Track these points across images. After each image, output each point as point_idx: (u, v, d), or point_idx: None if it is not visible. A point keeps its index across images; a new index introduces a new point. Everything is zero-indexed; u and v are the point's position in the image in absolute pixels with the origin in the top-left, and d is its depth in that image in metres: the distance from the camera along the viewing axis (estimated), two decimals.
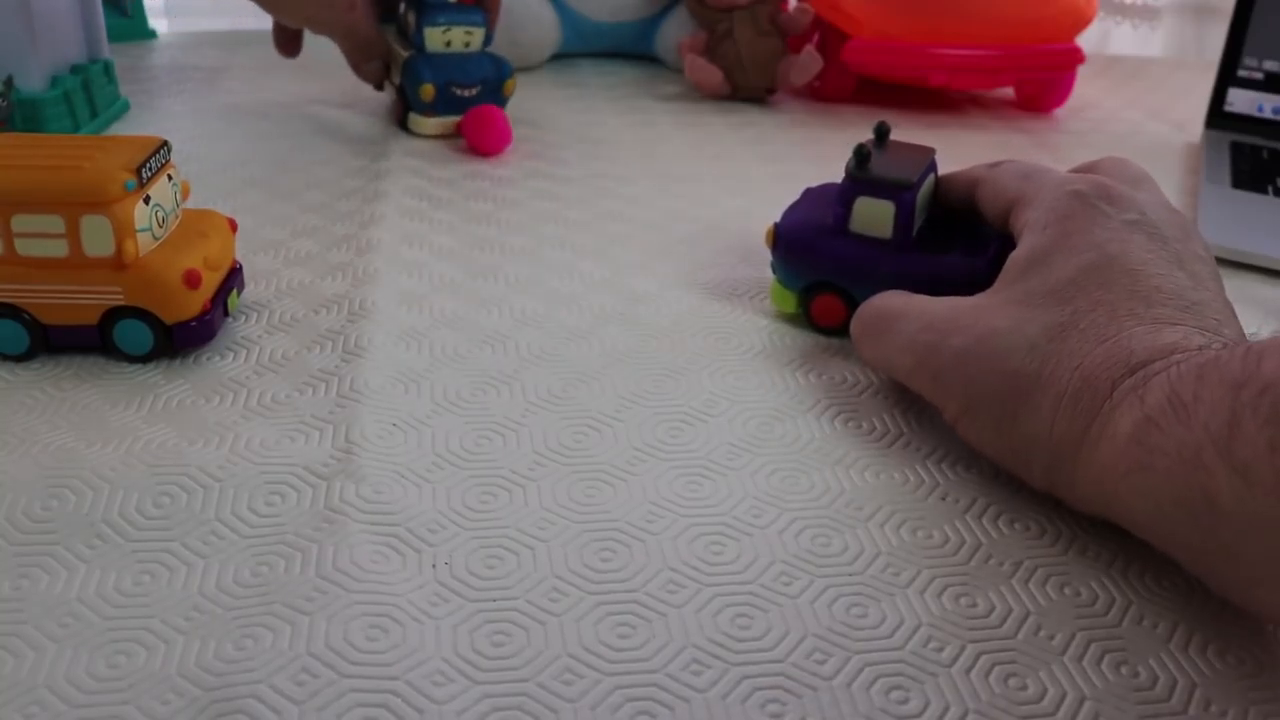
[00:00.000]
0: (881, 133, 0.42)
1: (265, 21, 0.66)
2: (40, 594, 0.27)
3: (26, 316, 0.37)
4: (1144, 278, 0.32)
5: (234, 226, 0.41)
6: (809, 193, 0.45)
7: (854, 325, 0.38)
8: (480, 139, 0.60)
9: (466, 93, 0.61)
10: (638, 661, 0.26)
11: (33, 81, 0.58)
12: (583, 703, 0.25)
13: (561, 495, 0.32)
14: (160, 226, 0.38)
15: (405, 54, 0.62)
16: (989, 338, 0.32)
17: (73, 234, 0.35)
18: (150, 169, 0.37)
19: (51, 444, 0.33)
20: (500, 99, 0.63)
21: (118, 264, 0.36)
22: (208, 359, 0.38)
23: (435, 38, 0.60)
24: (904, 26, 0.73)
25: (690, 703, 0.25)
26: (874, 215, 0.40)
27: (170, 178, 0.38)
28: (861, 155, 0.40)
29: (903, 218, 0.39)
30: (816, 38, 0.77)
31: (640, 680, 0.26)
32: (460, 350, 0.40)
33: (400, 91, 0.63)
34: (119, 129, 0.64)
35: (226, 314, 0.40)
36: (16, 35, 0.56)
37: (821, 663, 0.26)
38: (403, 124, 0.64)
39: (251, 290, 0.44)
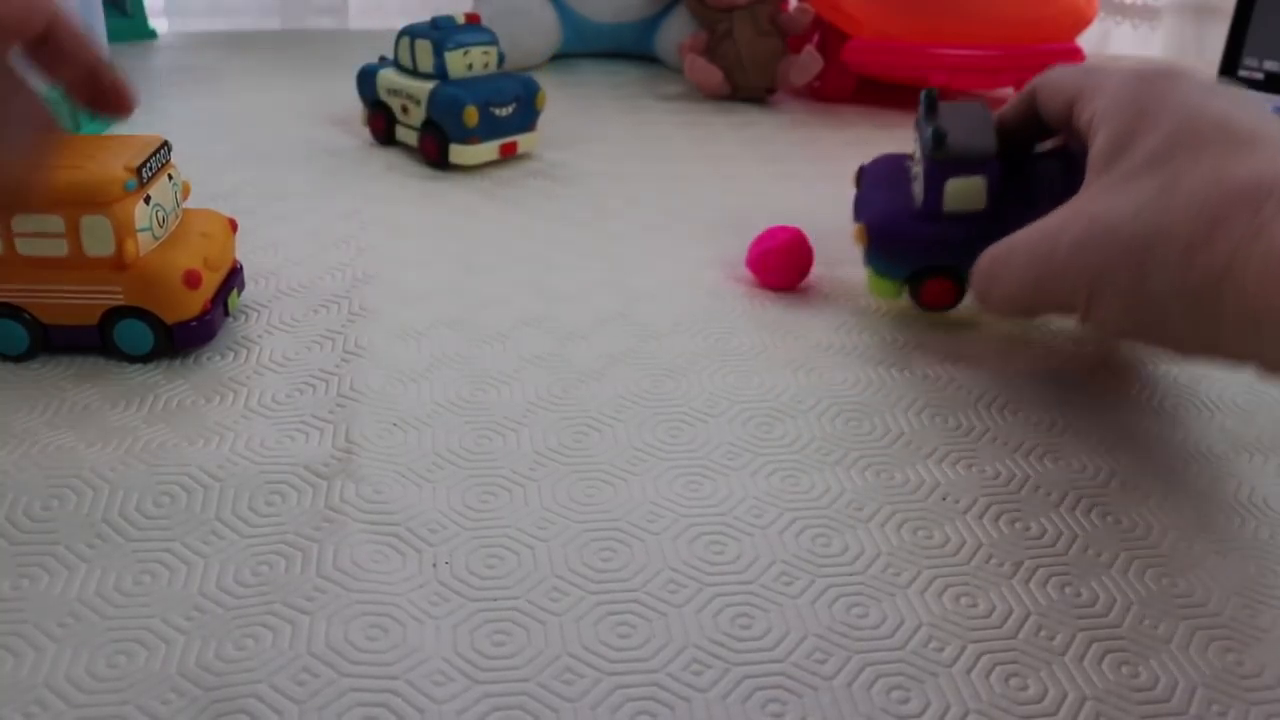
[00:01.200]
0: (932, 99, 0.41)
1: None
2: (40, 594, 0.27)
3: (27, 316, 0.37)
4: (1235, 126, 0.32)
5: (234, 226, 0.41)
6: (868, 173, 0.45)
7: (974, 282, 0.38)
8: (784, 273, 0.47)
9: (502, 112, 0.59)
10: (638, 661, 0.26)
11: (32, 81, 0.57)
12: (583, 703, 0.25)
13: (561, 495, 0.32)
14: (160, 226, 0.38)
15: (426, 87, 0.58)
16: (1097, 221, 0.32)
17: (73, 234, 0.35)
18: (150, 169, 0.37)
19: (52, 444, 0.33)
20: (534, 113, 0.61)
21: (118, 264, 0.36)
22: (208, 359, 0.38)
23: (457, 61, 0.58)
24: (904, 26, 0.73)
25: (690, 703, 0.25)
26: (966, 192, 0.40)
27: (170, 177, 0.38)
28: (940, 135, 0.39)
29: (994, 186, 0.39)
30: (816, 38, 0.78)
31: (640, 680, 0.26)
32: (460, 350, 0.40)
33: (427, 129, 0.59)
34: (119, 129, 0.64)
35: (227, 314, 0.40)
36: None
37: (822, 663, 0.26)
38: (439, 163, 0.59)
39: (251, 290, 0.44)
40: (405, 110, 0.60)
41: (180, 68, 0.79)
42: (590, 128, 0.69)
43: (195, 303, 0.37)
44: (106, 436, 0.34)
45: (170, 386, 0.37)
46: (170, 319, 0.37)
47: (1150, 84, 0.34)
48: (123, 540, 0.29)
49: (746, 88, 0.75)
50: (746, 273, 0.47)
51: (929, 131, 0.39)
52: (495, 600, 0.28)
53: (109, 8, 0.79)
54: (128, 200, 0.36)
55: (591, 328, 0.42)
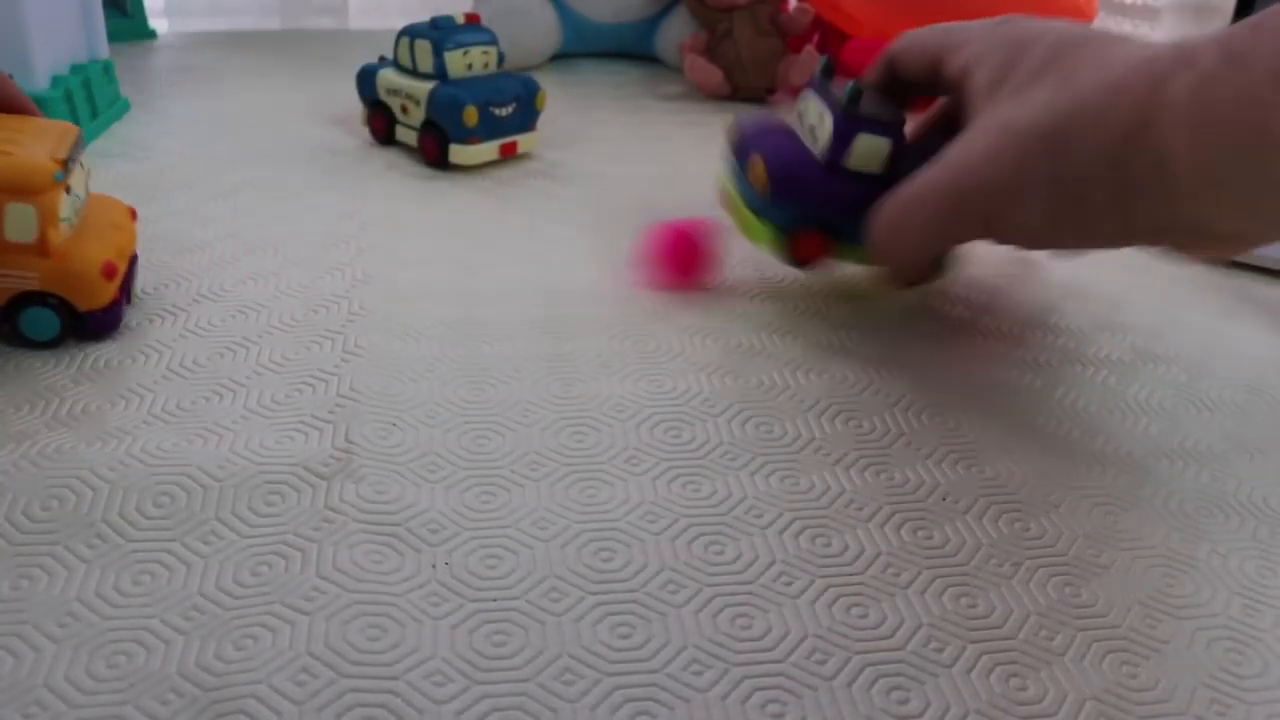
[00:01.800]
0: (829, 67, 0.43)
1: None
2: (40, 594, 0.27)
3: None
4: (1106, 34, 0.35)
5: (134, 215, 0.42)
6: (746, 124, 0.45)
7: (878, 233, 0.39)
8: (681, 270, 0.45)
9: (502, 112, 0.59)
10: (638, 661, 0.26)
11: (33, 80, 0.58)
12: (582, 703, 0.25)
13: (561, 495, 0.32)
14: (75, 216, 0.38)
15: (426, 87, 0.58)
16: (1008, 126, 0.34)
17: None
18: (73, 159, 0.37)
19: (51, 444, 0.33)
20: (534, 113, 0.61)
21: (40, 251, 0.36)
22: (207, 358, 0.38)
23: (457, 61, 0.58)
24: (904, 26, 0.72)
25: (690, 703, 0.25)
26: (871, 152, 0.40)
27: (82, 164, 0.39)
28: (855, 92, 0.40)
29: (895, 154, 0.40)
30: (816, 38, 0.78)
31: (640, 680, 0.26)
32: (460, 350, 0.40)
33: (427, 129, 0.59)
34: (120, 129, 0.64)
35: (129, 301, 0.41)
36: (17, 34, 0.56)
37: (822, 663, 0.26)
38: (439, 163, 0.59)
39: (251, 290, 0.44)
40: (405, 110, 0.60)
41: (180, 68, 0.79)
42: (590, 128, 0.69)
43: (108, 292, 0.38)
44: (106, 436, 0.34)
45: (170, 386, 0.37)
46: (84, 307, 0.38)
47: (1016, 23, 0.37)
48: (122, 540, 0.29)
49: (746, 88, 0.75)
50: (747, 272, 0.47)
51: (846, 87, 0.41)
52: (495, 600, 0.28)
53: (109, 8, 0.79)
54: (55, 190, 0.36)
55: (592, 328, 0.42)
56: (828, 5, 0.74)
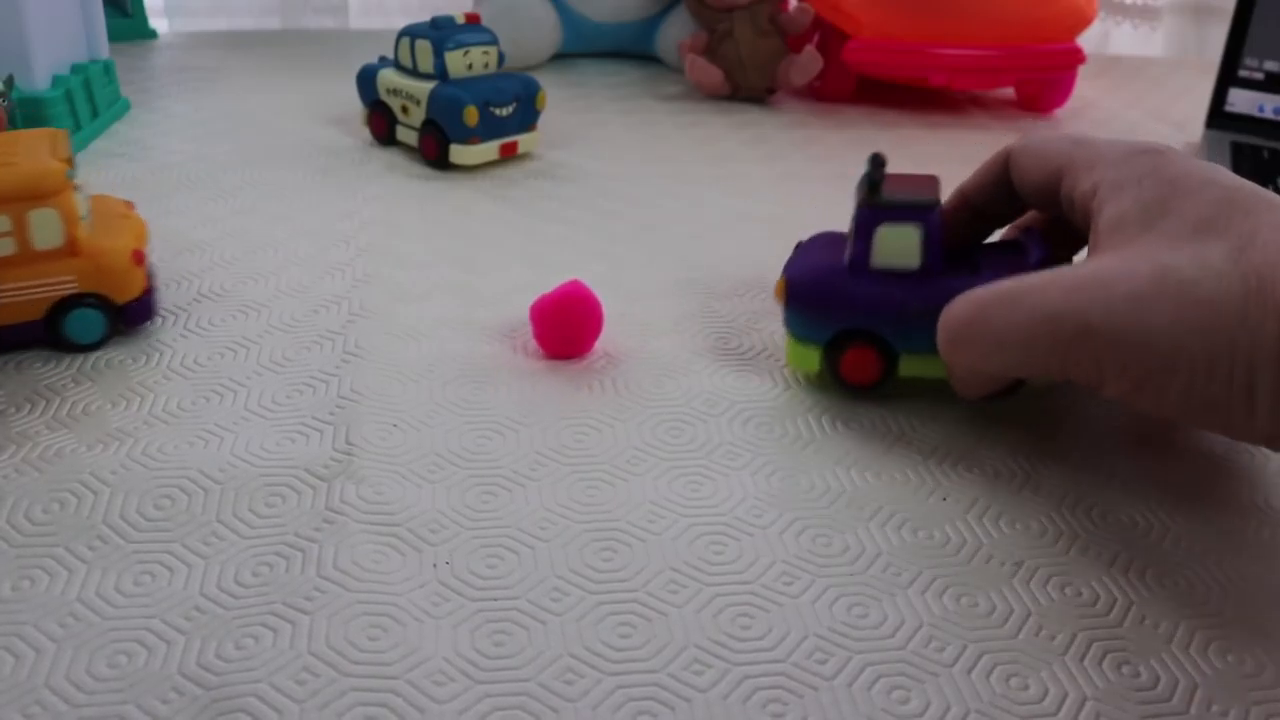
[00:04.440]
0: (879, 163, 0.37)
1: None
2: (41, 595, 0.27)
3: None
4: (1268, 195, 0.30)
5: (131, 206, 0.42)
6: (803, 246, 0.40)
7: (945, 330, 0.33)
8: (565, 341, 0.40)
9: (502, 112, 0.59)
10: (638, 661, 0.26)
11: (34, 80, 0.58)
12: (583, 703, 0.25)
13: (562, 495, 0.32)
14: (89, 213, 0.38)
15: (426, 87, 0.58)
16: (1164, 276, 0.29)
17: (20, 230, 0.36)
18: (71, 159, 0.38)
19: (52, 446, 0.33)
20: (534, 112, 0.61)
21: (71, 251, 0.36)
22: (208, 359, 0.38)
23: (457, 61, 0.58)
24: (904, 26, 0.73)
25: (691, 703, 0.25)
26: (899, 243, 0.36)
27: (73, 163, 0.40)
28: (874, 180, 0.36)
29: (931, 241, 0.36)
30: (816, 38, 0.78)
31: (641, 680, 0.26)
32: (460, 350, 0.40)
33: (427, 129, 0.59)
34: (120, 129, 0.65)
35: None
36: (17, 34, 0.56)
37: (822, 663, 0.26)
38: (439, 162, 0.59)
39: (251, 290, 0.44)
40: (405, 110, 0.60)
41: (180, 68, 0.79)
42: (590, 128, 0.69)
43: (140, 280, 0.39)
44: (107, 439, 0.34)
45: (170, 387, 0.37)
46: (121, 299, 0.38)
47: (1164, 159, 0.33)
48: (123, 542, 0.29)
49: (746, 88, 0.75)
50: (747, 272, 0.47)
51: (863, 177, 0.37)
52: (495, 600, 0.28)
53: (109, 8, 0.79)
54: (69, 189, 0.36)
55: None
56: (828, 5, 0.74)
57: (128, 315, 0.39)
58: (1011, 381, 0.35)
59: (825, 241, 0.40)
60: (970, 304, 0.33)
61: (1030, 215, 0.40)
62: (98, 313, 0.38)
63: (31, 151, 0.37)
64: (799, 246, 0.40)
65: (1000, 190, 0.38)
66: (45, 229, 0.36)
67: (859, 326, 0.36)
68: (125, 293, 0.38)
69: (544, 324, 0.40)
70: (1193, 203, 0.30)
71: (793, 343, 0.38)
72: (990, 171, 0.38)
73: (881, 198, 0.36)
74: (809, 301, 0.37)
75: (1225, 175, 0.32)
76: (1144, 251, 0.30)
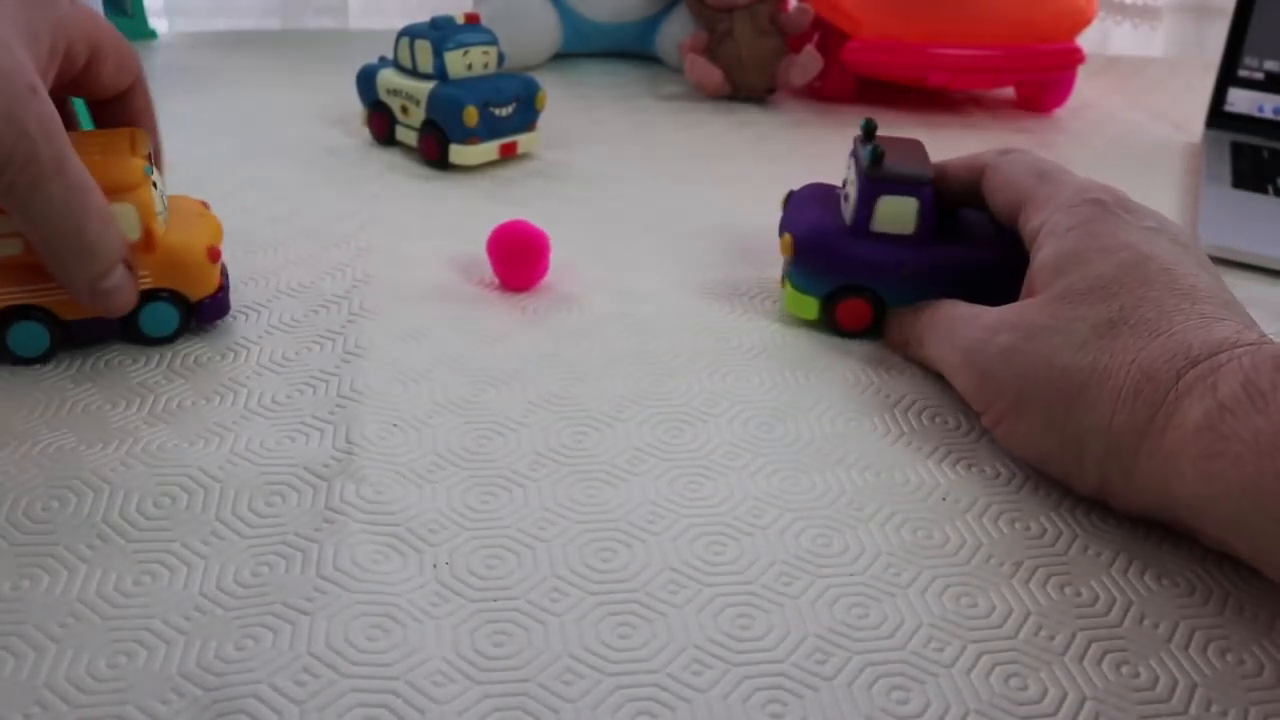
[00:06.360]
0: (870, 129, 0.42)
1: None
2: (41, 595, 0.27)
3: (46, 316, 0.37)
4: (1180, 276, 0.32)
5: (206, 206, 0.42)
6: (796, 196, 0.45)
7: (920, 325, 0.39)
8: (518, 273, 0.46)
9: (502, 112, 0.59)
10: (638, 661, 0.26)
11: None
12: (583, 703, 0.25)
13: (561, 495, 0.32)
14: (165, 210, 0.38)
15: (426, 87, 0.58)
16: (1036, 334, 0.33)
17: None
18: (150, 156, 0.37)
19: (52, 445, 0.33)
20: (534, 113, 0.61)
21: (147, 247, 0.37)
22: (208, 359, 0.38)
23: (457, 61, 0.58)
24: (904, 26, 0.73)
25: (691, 703, 0.25)
26: (897, 212, 0.40)
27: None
28: (877, 154, 0.40)
29: (925, 212, 0.40)
30: (816, 38, 0.77)
31: (641, 680, 0.26)
32: (460, 350, 0.40)
33: (426, 129, 0.59)
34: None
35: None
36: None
37: (822, 663, 0.26)
38: (439, 162, 0.59)
39: (251, 290, 0.44)
40: (405, 110, 0.60)
41: (180, 68, 0.79)
42: (590, 128, 0.69)
43: (215, 278, 0.39)
44: (107, 437, 0.34)
45: (170, 387, 0.37)
46: (196, 296, 0.38)
47: (1105, 213, 0.35)
48: (123, 541, 0.29)
49: (746, 88, 0.75)
50: (746, 272, 0.47)
51: (866, 150, 0.40)
52: (495, 600, 0.28)
53: (109, 7, 0.79)
54: (147, 184, 0.36)
55: (591, 328, 0.42)
56: (828, 5, 0.74)
57: (202, 311, 0.39)
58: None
59: (817, 195, 0.45)
60: (939, 314, 0.38)
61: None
62: (172, 308, 0.38)
63: (111, 148, 0.37)
64: (791, 197, 0.45)
65: (973, 191, 0.41)
66: (123, 224, 0.36)
67: (857, 282, 0.41)
68: (200, 289, 0.38)
69: (499, 258, 0.45)
70: (1099, 263, 0.33)
71: (793, 292, 0.42)
72: (970, 171, 0.41)
73: (884, 170, 0.40)
74: (815, 258, 0.41)
75: (1152, 239, 0.34)
76: (1039, 304, 0.34)
